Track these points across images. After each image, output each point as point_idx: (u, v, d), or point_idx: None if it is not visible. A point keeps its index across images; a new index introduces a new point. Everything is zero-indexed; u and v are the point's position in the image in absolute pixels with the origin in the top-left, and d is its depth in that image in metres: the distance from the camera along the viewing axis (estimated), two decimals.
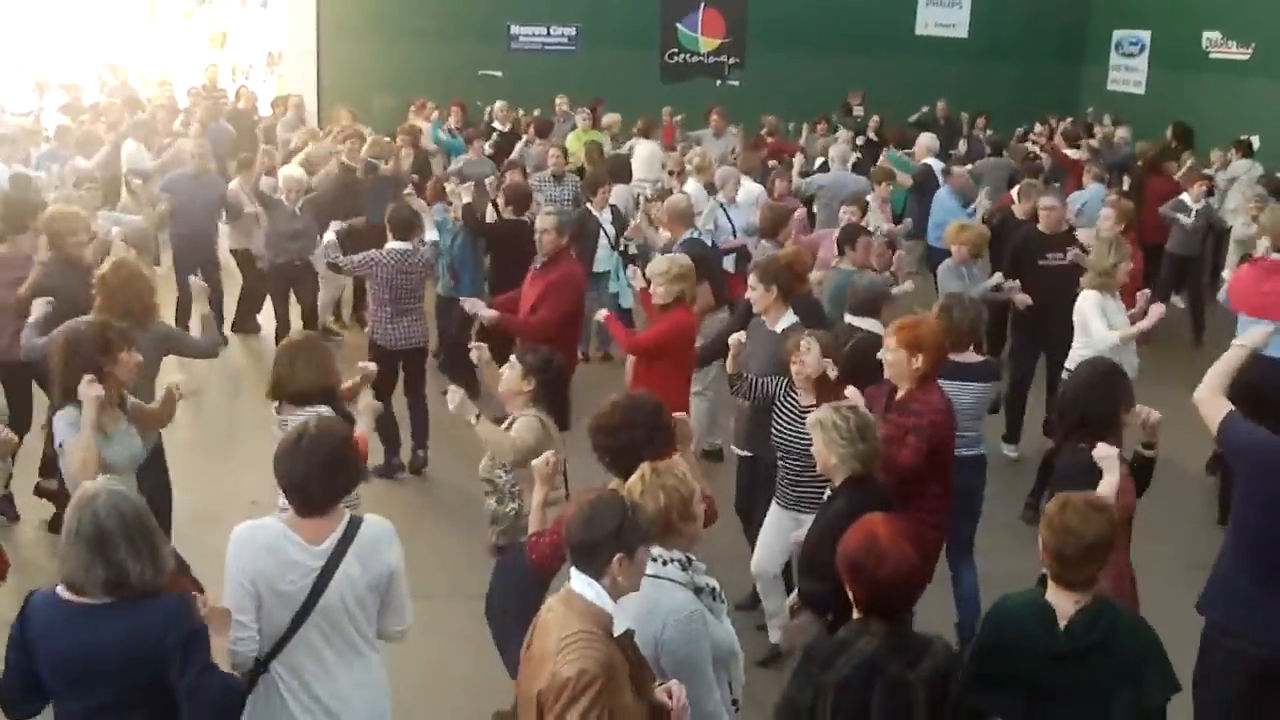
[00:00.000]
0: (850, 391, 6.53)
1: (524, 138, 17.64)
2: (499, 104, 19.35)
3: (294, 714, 4.57)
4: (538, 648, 4.08)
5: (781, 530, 7.14)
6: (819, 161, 16.59)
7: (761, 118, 19.65)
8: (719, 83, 23.94)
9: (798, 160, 16.38)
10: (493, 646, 6.19)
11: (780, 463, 7.16)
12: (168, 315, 10.86)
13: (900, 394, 6.51)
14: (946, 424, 6.44)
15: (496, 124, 18.80)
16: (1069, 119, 20.99)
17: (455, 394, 6.31)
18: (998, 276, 10.47)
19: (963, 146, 19.73)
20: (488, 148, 16.09)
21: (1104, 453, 5.48)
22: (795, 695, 4.17)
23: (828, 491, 5.90)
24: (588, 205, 12.68)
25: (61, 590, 4.08)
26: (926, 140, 16.57)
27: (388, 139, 15.29)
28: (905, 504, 6.09)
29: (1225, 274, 12.98)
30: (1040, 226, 10.89)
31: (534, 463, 5.53)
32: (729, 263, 11.66)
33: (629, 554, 3.99)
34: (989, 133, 20.01)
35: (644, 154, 16.42)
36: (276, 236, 12.53)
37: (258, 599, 4.47)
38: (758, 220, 11.45)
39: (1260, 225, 10.70)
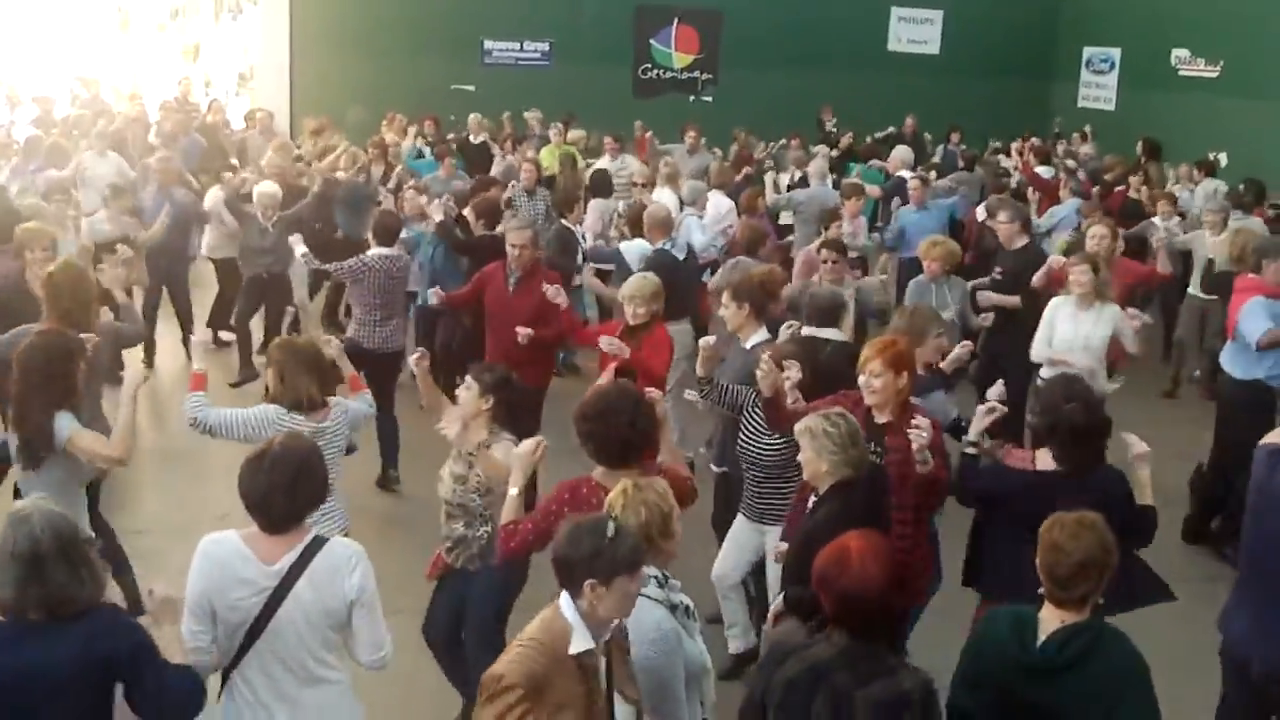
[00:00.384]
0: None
1: (501, 152, 17.67)
2: (472, 117, 19.35)
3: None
4: None
5: (744, 540, 7.21)
6: (795, 176, 16.62)
7: (734, 132, 19.71)
8: (692, 99, 24.03)
9: (769, 177, 16.45)
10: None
11: (746, 474, 7.20)
12: None
13: (885, 417, 6.38)
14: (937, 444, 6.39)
15: (470, 136, 18.81)
16: (1033, 138, 21.05)
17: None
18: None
19: (938, 155, 19.81)
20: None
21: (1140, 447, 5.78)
22: (751, 685, 4.26)
23: (812, 498, 5.90)
24: (563, 220, 12.65)
25: None
26: (902, 153, 16.66)
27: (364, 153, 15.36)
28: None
29: (1191, 290, 13.07)
30: (1000, 238, 11.17)
31: (517, 450, 5.50)
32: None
33: (603, 581, 3.98)
34: (962, 148, 20.11)
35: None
36: (246, 250, 12.55)
37: (211, 613, 4.46)
38: (727, 234, 11.53)
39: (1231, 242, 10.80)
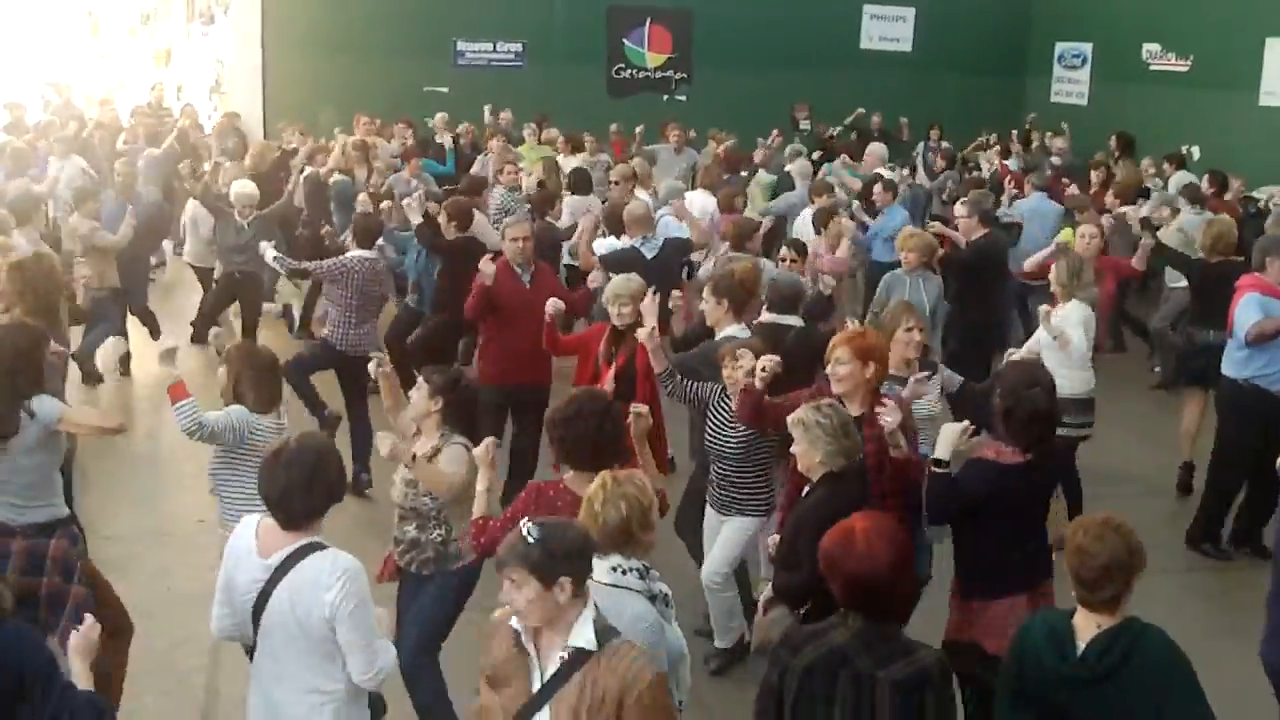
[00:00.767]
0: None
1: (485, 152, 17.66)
2: (439, 116, 19.32)
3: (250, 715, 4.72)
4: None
5: (714, 533, 7.30)
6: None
7: (714, 134, 19.70)
8: (666, 98, 23.99)
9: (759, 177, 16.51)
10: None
11: (712, 467, 7.28)
12: None
13: (856, 409, 6.37)
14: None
15: (435, 136, 18.78)
16: (992, 133, 21.11)
17: (385, 439, 6.05)
18: None
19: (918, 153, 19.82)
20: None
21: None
22: (767, 676, 4.23)
23: (804, 488, 5.94)
24: (547, 219, 12.63)
25: None
26: (877, 150, 16.67)
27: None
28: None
29: (1169, 282, 13.11)
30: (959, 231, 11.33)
31: (476, 451, 5.58)
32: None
33: (577, 579, 3.98)
34: (944, 145, 20.15)
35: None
36: (221, 248, 12.62)
37: (231, 596, 4.66)
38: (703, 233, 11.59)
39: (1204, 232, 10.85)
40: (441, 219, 11.40)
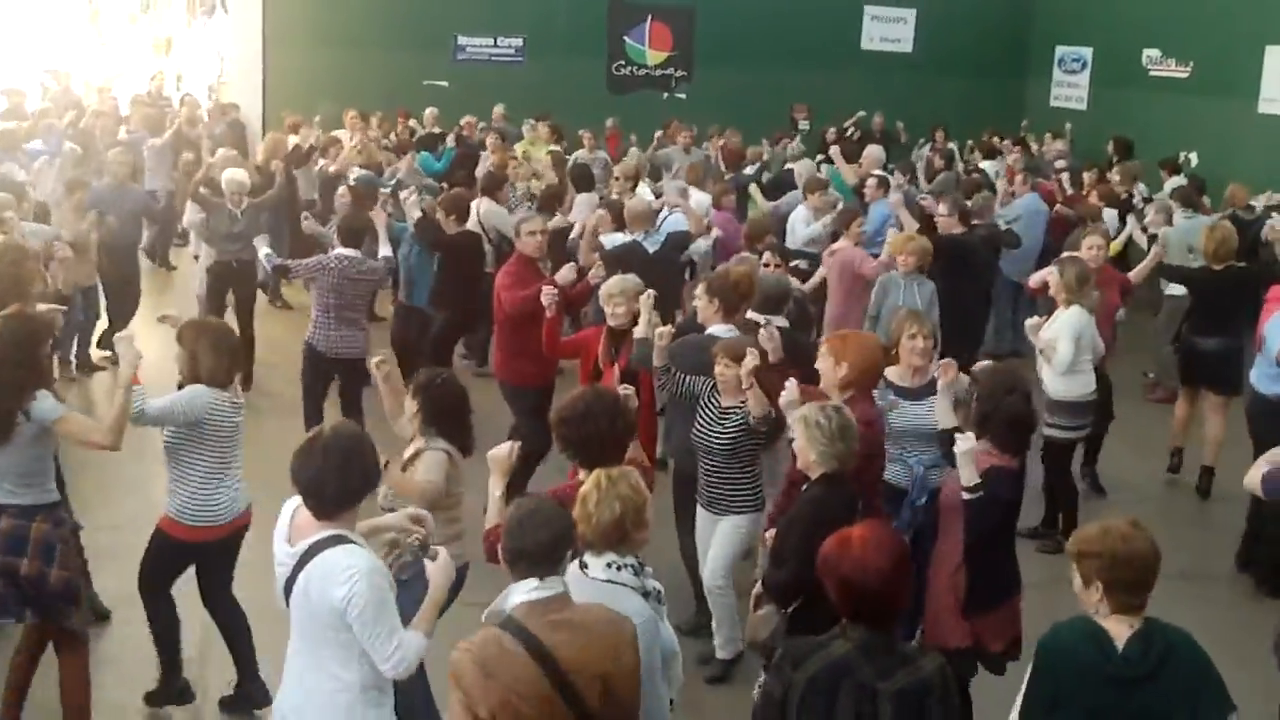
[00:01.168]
0: (789, 384, 6.54)
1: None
2: (429, 112, 19.32)
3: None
4: (598, 646, 4.10)
5: (707, 532, 7.33)
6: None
7: (710, 130, 19.71)
8: (666, 95, 24.02)
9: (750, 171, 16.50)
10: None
11: (700, 463, 7.30)
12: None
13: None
14: (869, 438, 6.41)
15: (425, 128, 18.83)
16: (994, 135, 21.12)
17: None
18: None
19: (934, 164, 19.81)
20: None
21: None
22: (769, 688, 4.21)
23: (803, 485, 5.97)
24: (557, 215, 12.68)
25: None
26: (875, 152, 16.65)
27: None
28: None
29: (1165, 289, 13.11)
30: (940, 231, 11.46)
31: (491, 454, 5.48)
32: None
33: (570, 556, 4.20)
34: (950, 145, 20.16)
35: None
36: (215, 237, 12.45)
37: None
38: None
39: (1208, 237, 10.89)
40: (440, 214, 11.39)
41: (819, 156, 18.95)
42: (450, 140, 17.89)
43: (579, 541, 4.48)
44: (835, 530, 4.94)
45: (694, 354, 7.45)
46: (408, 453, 6.21)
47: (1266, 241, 12.18)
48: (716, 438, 7.13)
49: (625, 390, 6.02)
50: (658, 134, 19.83)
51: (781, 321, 8.34)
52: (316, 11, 22.30)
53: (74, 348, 12.29)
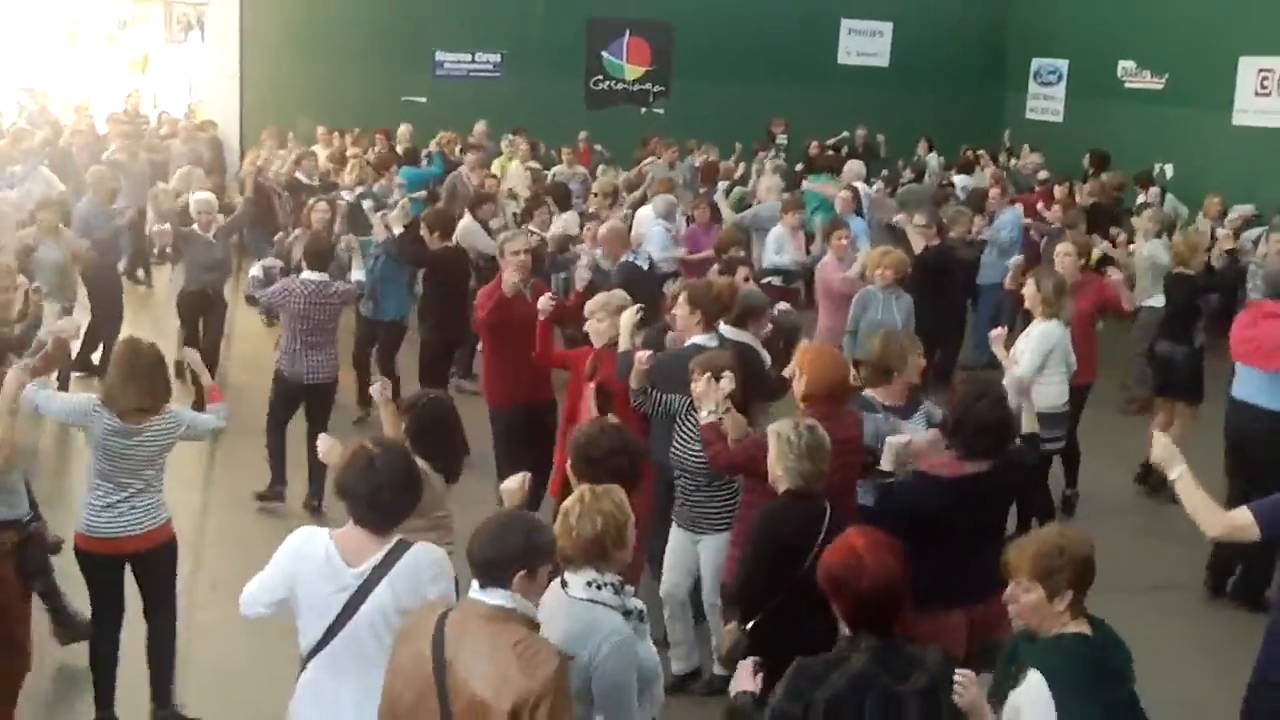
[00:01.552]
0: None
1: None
2: (403, 127, 19.32)
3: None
4: (487, 669, 4.02)
5: (683, 550, 7.26)
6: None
7: (689, 144, 19.76)
8: (644, 110, 24.06)
9: (721, 186, 16.55)
10: None
11: (677, 481, 7.26)
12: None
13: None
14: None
15: (397, 145, 18.85)
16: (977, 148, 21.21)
17: (325, 441, 6.13)
18: None
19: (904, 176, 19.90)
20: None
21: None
22: (786, 709, 4.18)
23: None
24: (530, 229, 12.66)
25: None
26: (854, 167, 16.71)
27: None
28: None
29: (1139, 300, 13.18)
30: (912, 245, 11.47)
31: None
32: None
33: (530, 572, 4.14)
34: (927, 158, 20.24)
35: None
36: (193, 266, 12.18)
37: (289, 596, 4.67)
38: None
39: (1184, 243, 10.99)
40: (424, 230, 11.38)
41: (799, 165, 19.10)
42: (433, 147, 17.95)
43: (558, 557, 4.46)
44: (787, 547, 4.98)
45: (680, 369, 7.40)
46: None
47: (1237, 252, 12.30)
48: (693, 457, 7.05)
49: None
50: (639, 153, 19.90)
51: (745, 336, 8.24)
52: (294, 27, 22.26)
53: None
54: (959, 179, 18.24)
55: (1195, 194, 16.66)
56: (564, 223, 13.42)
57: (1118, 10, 21.98)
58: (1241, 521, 5.30)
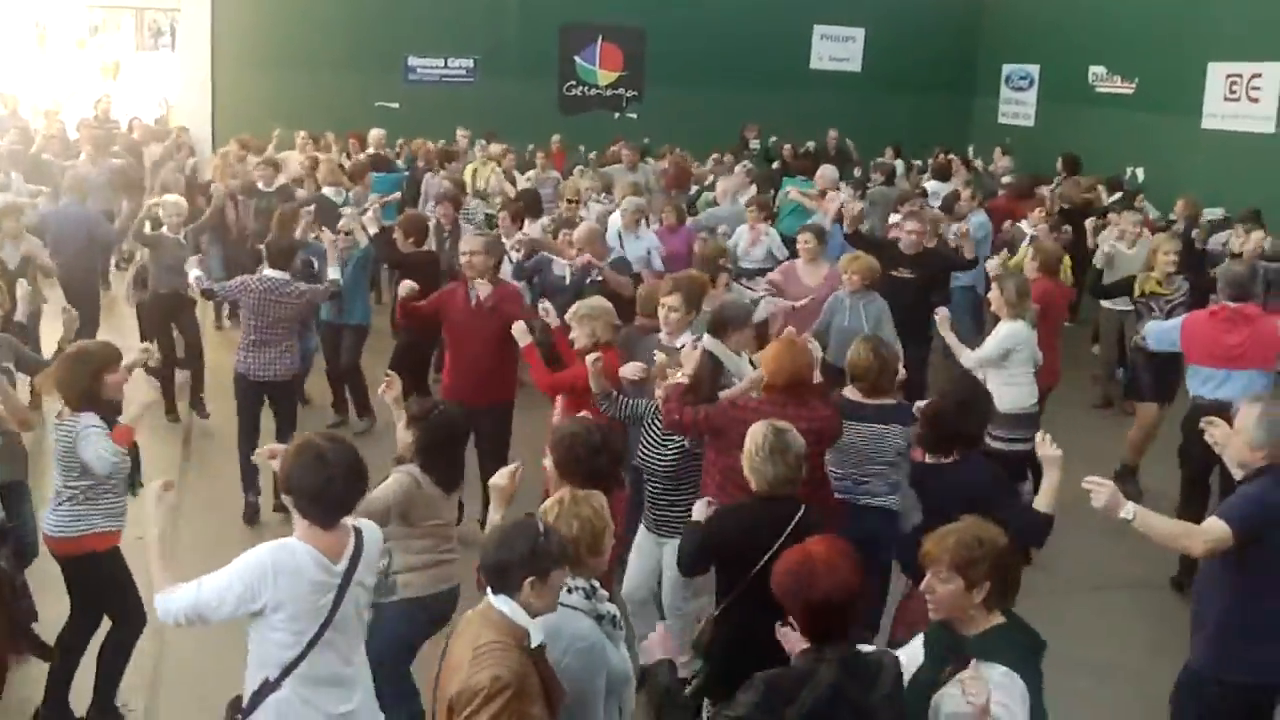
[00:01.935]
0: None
1: (423, 167, 17.72)
2: (374, 132, 19.29)
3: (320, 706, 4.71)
4: (452, 657, 4.18)
5: (647, 552, 7.25)
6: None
7: (660, 150, 19.80)
8: (617, 115, 24.09)
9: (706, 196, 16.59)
10: None
11: (645, 485, 7.25)
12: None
13: None
14: (735, 415, 6.54)
15: (371, 149, 18.81)
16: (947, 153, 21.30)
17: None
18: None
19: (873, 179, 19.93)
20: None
21: (1052, 453, 5.84)
22: None
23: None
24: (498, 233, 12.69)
25: None
26: (829, 172, 16.73)
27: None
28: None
29: (1106, 304, 13.24)
30: (901, 245, 11.41)
31: (493, 481, 5.41)
32: None
33: (540, 577, 4.10)
34: (895, 162, 20.30)
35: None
36: (161, 268, 12.08)
37: (260, 608, 4.56)
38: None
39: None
40: (398, 234, 11.37)
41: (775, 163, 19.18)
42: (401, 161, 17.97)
43: None
44: (731, 550, 5.20)
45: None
46: None
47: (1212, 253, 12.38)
48: (659, 460, 7.08)
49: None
50: (595, 154, 19.97)
51: (714, 345, 8.24)
52: (265, 34, 22.23)
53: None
54: (932, 185, 18.30)
55: (1166, 197, 16.74)
56: (537, 229, 13.40)
57: (1088, 16, 22.11)
58: (1219, 533, 5.30)
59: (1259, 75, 18.55)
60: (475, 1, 23.15)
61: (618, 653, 4.63)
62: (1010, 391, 9.05)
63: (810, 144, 21.55)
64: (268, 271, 9.71)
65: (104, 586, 6.53)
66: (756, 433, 5.76)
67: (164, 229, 12.08)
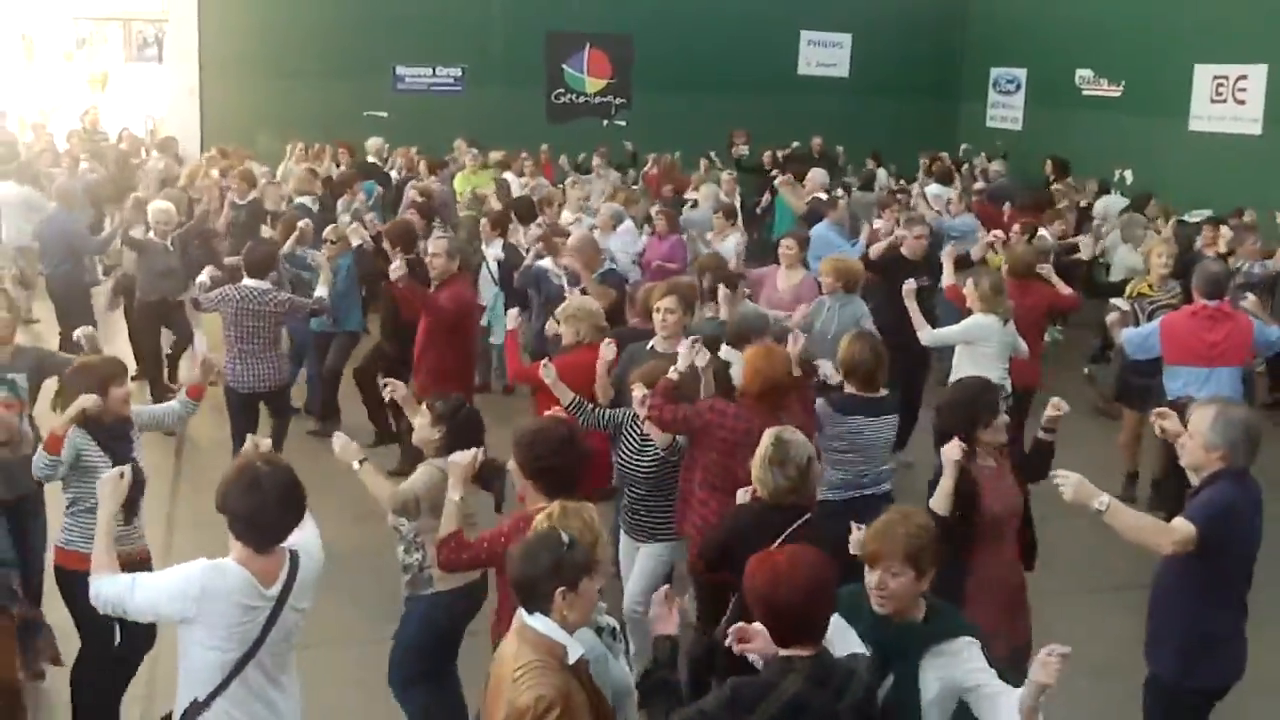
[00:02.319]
0: None
1: (403, 175, 17.77)
2: (372, 141, 19.31)
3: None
4: (494, 679, 4.16)
5: (632, 558, 7.32)
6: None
7: (661, 156, 19.85)
8: (605, 122, 24.11)
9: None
10: (386, 690, 6.19)
11: (624, 491, 7.31)
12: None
13: None
14: (710, 420, 6.66)
15: (371, 158, 18.82)
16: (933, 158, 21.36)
17: (339, 438, 6.18)
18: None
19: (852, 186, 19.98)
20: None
21: (949, 454, 5.79)
22: None
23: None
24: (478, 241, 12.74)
25: None
26: (817, 176, 16.77)
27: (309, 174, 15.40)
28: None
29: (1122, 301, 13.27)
30: (905, 251, 11.39)
31: (452, 458, 5.45)
32: None
33: (570, 588, 4.08)
34: (876, 169, 20.34)
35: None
36: (149, 275, 12.16)
37: (203, 632, 4.54)
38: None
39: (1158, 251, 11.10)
40: (386, 244, 11.37)
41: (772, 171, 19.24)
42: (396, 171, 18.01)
43: None
44: (729, 548, 5.15)
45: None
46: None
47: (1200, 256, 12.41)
48: (637, 467, 7.10)
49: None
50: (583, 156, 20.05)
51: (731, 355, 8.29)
52: (253, 44, 22.23)
53: None
54: (933, 188, 18.34)
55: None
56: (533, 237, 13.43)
57: (1075, 20, 22.18)
58: (1186, 533, 5.30)
59: (1245, 77, 18.64)
60: (463, 10, 23.16)
61: (618, 665, 4.62)
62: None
63: (795, 144, 21.62)
64: (247, 281, 9.72)
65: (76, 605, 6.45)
66: (768, 441, 5.80)
67: (151, 234, 12.08)
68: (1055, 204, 16.60)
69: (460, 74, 23.57)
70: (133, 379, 11.40)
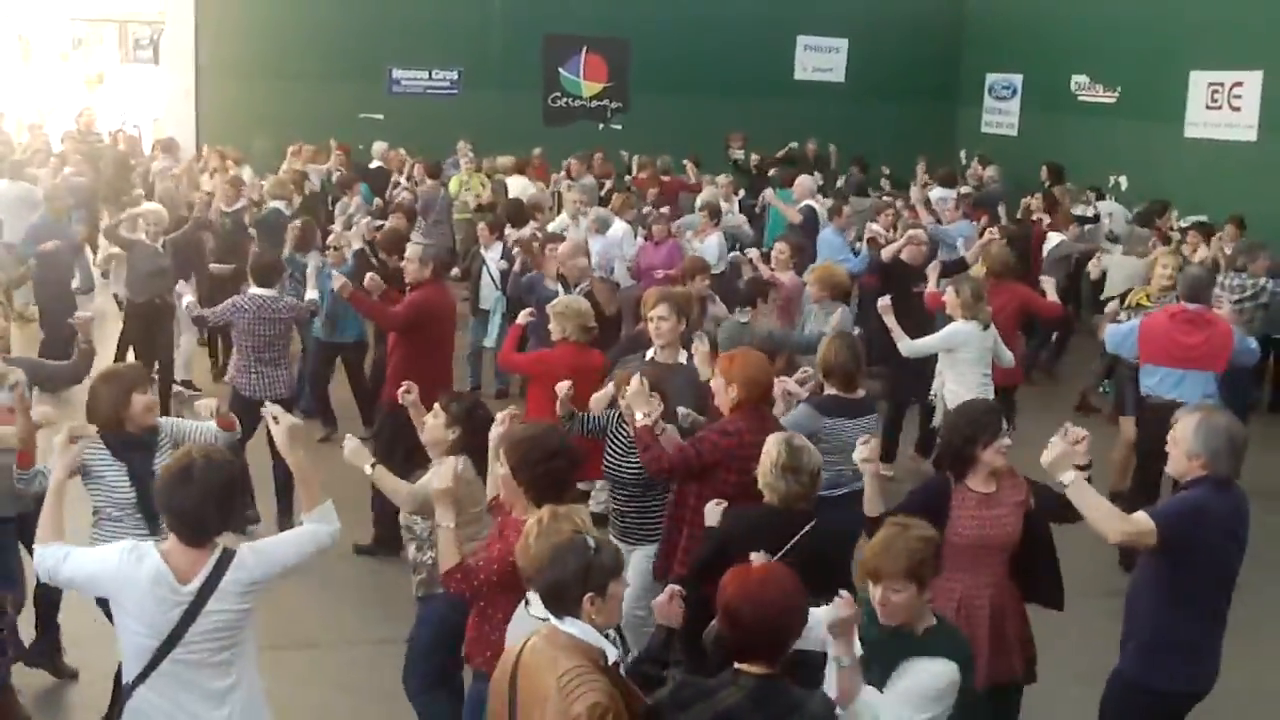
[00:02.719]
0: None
1: (399, 179, 17.79)
2: (377, 145, 19.33)
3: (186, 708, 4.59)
4: (531, 692, 4.04)
5: (630, 566, 7.25)
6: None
7: (640, 160, 19.85)
8: (601, 126, 24.09)
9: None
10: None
11: (612, 494, 7.32)
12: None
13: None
14: (727, 448, 6.46)
15: (378, 163, 18.83)
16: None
17: (350, 442, 6.17)
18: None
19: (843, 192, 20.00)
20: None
21: (857, 455, 5.87)
22: None
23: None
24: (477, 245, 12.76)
25: None
26: (807, 182, 16.76)
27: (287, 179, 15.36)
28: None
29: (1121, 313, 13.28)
30: (906, 258, 11.46)
31: (435, 486, 5.41)
32: None
33: (599, 592, 4.05)
34: (864, 175, 20.37)
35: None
36: (137, 276, 12.07)
37: (124, 613, 4.53)
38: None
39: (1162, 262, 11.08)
40: (381, 253, 11.38)
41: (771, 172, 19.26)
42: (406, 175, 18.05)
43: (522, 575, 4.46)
44: (728, 549, 5.09)
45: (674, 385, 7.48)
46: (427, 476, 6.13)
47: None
48: (626, 470, 7.08)
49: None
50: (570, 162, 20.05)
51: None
52: (249, 45, 22.22)
53: None
54: (938, 192, 18.34)
55: None
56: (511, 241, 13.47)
57: (1070, 25, 22.16)
58: (1143, 526, 5.26)
59: (1240, 84, 18.65)
60: (459, 13, 23.12)
61: None
62: (958, 390, 9.21)
63: (793, 144, 21.64)
64: (254, 290, 9.71)
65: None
66: (771, 449, 5.76)
67: (141, 235, 12.08)
68: (1063, 203, 16.65)
69: (456, 77, 23.56)
70: None
